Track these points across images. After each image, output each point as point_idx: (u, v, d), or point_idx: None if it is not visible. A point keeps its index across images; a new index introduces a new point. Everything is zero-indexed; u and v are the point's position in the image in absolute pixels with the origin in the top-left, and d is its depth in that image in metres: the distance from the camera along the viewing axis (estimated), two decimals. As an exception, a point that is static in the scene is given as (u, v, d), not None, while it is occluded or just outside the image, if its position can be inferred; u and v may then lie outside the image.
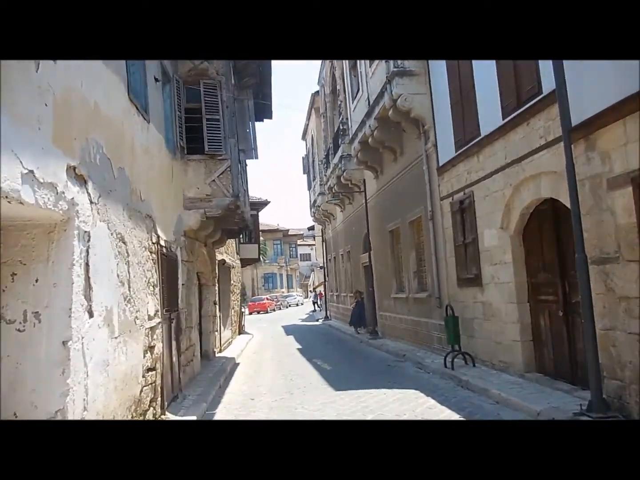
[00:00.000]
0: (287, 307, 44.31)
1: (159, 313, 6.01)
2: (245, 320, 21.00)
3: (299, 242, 61.95)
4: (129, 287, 4.94)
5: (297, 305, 47.64)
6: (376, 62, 11.57)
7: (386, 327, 14.07)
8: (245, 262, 20.90)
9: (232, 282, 15.84)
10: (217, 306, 12.40)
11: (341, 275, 21.74)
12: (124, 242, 4.94)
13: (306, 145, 27.94)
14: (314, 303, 34.37)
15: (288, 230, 59.07)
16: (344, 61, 16.12)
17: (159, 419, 5.46)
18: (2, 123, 2.86)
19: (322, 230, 26.92)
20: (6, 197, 2.91)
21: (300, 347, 14.01)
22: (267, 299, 40.19)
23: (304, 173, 27.39)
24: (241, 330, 19.07)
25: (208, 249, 11.02)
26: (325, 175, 19.97)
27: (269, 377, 9.13)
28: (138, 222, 5.59)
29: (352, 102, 14.86)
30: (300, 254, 63.74)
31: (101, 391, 3.91)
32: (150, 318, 5.59)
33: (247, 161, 12.26)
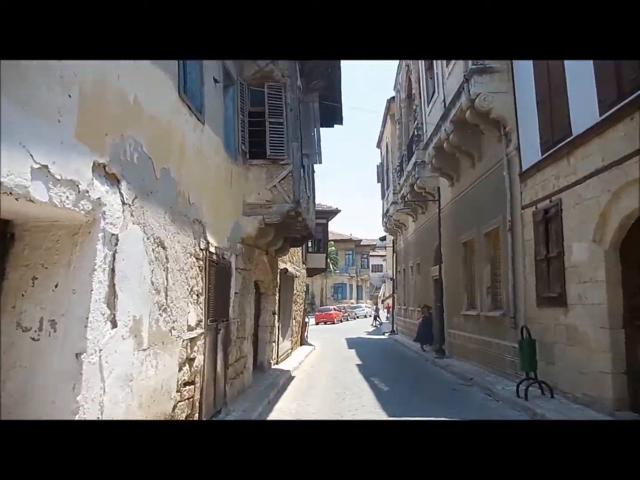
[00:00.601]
0: (354, 319, 43.65)
1: (203, 323, 5.70)
2: (308, 330, 20.67)
3: (371, 252, 61.18)
4: (166, 295, 4.63)
5: (365, 317, 46.83)
6: (453, 61, 10.83)
7: (454, 346, 13.09)
8: (312, 272, 20.61)
9: (295, 291, 15.54)
10: (277, 316, 12.09)
11: (410, 288, 20.84)
12: (163, 247, 4.66)
13: (381, 153, 27.37)
14: (374, 318, 33.24)
15: (360, 240, 58.52)
16: (419, 63, 15.44)
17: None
18: (8, 112, 2.61)
19: (393, 241, 26.12)
20: (10, 193, 2.64)
21: (360, 362, 13.36)
22: (335, 309, 39.76)
23: (378, 182, 26.79)
24: (303, 341, 18.73)
25: (269, 257, 10.75)
26: (399, 184, 19.29)
27: (321, 394, 8.60)
28: (184, 227, 5.32)
29: (428, 106, 14.16)
30: (372, 265, 62.81)
31: (121, 408, 3.58)
32: (190, 329, 5.27)
33: (316, 167, 11.92)
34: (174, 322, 4.77)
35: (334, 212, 20.66)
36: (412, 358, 14.35)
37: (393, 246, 25.98)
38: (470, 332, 11.71)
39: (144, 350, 4.05)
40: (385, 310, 33.46)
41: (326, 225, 20.55)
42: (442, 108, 11.73)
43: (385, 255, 50.60)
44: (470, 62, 9.37)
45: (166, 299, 4.62)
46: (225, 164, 7.27)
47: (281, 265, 12.53)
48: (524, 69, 8.49)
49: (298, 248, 16.18)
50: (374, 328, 31.30)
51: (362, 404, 7.65)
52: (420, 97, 15.58)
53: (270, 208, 8.10)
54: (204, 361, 5.66)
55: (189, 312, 5.25)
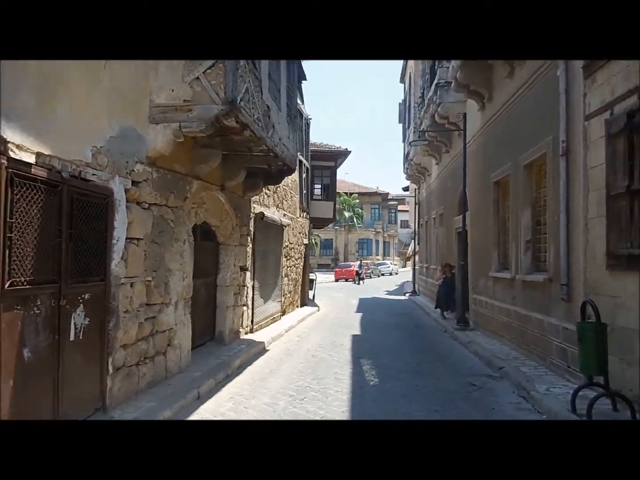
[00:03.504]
0: (378, 276, 40.98)
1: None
2: (315, 288, 18.13)
3: (400, 207, 57.68)
4: None
5: (391, 274, 44.08)
6: None
7: (480, 316, 10.24)
8: (317, 222, 17.86)
9: (287, 243, 12.85)
10: (250, 273, 9.47)
11: (432, 243, 17.85)
12: None
13: (404, 89, 23.70)
14: (357, 276, 30.13)
15: (387, 194, 55.00)
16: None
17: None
18: None
19: (415, 190, 22.91)
20: None
21: (358, 333, 10.68)
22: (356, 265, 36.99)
23: (399, 122, 23.37)
24: (305, 302, 16.21)
25: (229, 196, 8.02)
26: (419, 118, 15.96)
27: (276, 389, 5.98)
28: None
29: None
30: (401, 220, 59.47)
31: None
32: None
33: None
34: None
35: (343, 154, 17.62)
36: (427, 328, 11.58)
37: (415, 196, 22.80)
38: (502, 301, 8.81)
39: None
40: (363, 269, 30.77)
41: (334, 168, 17.60)
42: None
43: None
44: None
45: None
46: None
47: (256, 209, 9.79)
48: None
49: (294, 192, 13.39)
50: (396, 287, 28.55)
51: (320, 414, 4.98)
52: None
53: (190, 112, 5.26)
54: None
55: None
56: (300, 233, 14.72)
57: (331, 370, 6.87)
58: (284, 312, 12.65)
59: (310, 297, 18.14)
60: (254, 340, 8.86)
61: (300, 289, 15.15)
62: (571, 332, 5.92)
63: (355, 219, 48.78)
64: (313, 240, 46.28)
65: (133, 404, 4.92)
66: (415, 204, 22.84)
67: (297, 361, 7.58)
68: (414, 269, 23.33)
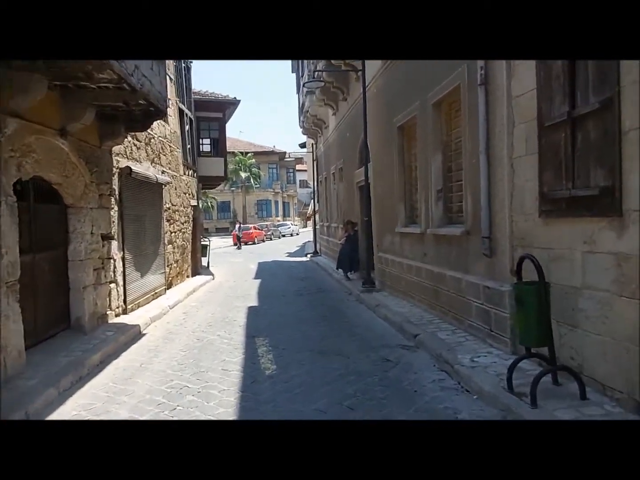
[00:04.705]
0: (279, 238, 39.90)
1: None
2: (209, 255, 16.51)
3: (297, 167, 56.48)
4: None
5: (292, 235, 43.19)
6: None
7: (386, 276, 9.46)
8: (207, 181, 16.08)
9: (170, 205, 11.07)
10: (118, 243, 7.74)
11: (332, 200, 16.92)
12: None
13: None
14: (237, 238, 28.96)
15: (285, 152, 53.33)
16: None
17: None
18: None
19: (313, 146, 21.73)
20: None
21: (256, 304, 9.44)
22: (255, 228, 35.59)
23: (292, 72, 21.78)
24: (198, 270, 14.60)
25: (75, 144, 6.19)
26: (312, 63, 14.57)
27: (145, 392, 4.55)
28: None
29: None
30: (300, 180, 58.39)
31: None
32: None
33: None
34: None
35: (231, 103, 15.80)
36: (331, 292, 10.65)
37: (313, 152, 21.66)
38: (411, 259, 8.01)
39: None
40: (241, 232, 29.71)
41: (223, 120, 15.77)
42: None
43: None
44: None
45: None
46: None
47: (121, 163, 7.95)
48: None
49: (174, 146, 11.55)
50: (297, 248, 27.63)
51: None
52: None
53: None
54: None
55: None
56: (186, 193, 12.93)
57: (218, 359, 5.56)
58: (170, 285, 11.02)
59: (205, 264, 16.53)
60: (126, 324, 7.25)
61: (190, 256, 13.49)
62: (494, 291, 5.15)
63: (252, 180, 46.89)
64: (209, 203, 43.94)
65: None
66: (313, 160, 21.72)
67: (178, 348, 6.16)
68: (314, 229, 22.43)
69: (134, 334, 6.97)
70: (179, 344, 6.37)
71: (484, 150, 5.29)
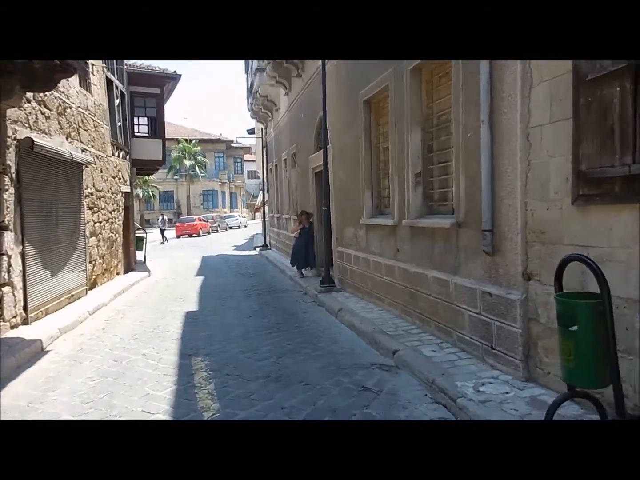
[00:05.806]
0: (225, 230, 38.10)
1: None
2: (146, 249, 14.75)
3: (245, 156, 54.40)
4: None
5: (240, 227, 41.39)
6: None
7: (349, 274, 8.27)
8: (142, 165, 14.29)
9: (90, 189, 9.34)
10: (15, 234, 6.09)
11: (283, 189, 15.57)
12: None
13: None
14: (161, 231, 27.21)
15: (232, 141, 51.15)
16: None
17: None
18: None
19: (262, 131, 20.23)
20: None
21: (195, 309, 7.97)
22: (200, 219, 33.64)
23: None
24: (132, 266, 12.89)
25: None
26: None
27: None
28: None
29: None
30: (248, 171, 56.39)
31: None
32: None
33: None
34: None
35: (171, 78, 14.05)
36: (285, 292, 9.34)
37: (262, 138, 20.17)
38: (379, 255, 6.84)
39: None
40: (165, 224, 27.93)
41: (161, 97, 14.02)
42: None
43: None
44: None
45: None
46: None
47: (20, 132, 6.28)
48: None
49: (99, 120, 9.83)
50: (245, 241, 26.08)
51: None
52: None
53: None
54: None
55: None
56: (115, 177, 11.19)
57: (139, 392, 4.14)
58: (94, 285, 9.35)
59: (142, 259, 14.79)
60: (24, 340, 5.66)
61: (122, 250, 11.78)
62: (498, 299, 4.04)
63: (197, 168, 44.65)
64: (151, 193, 41.29)
65: None
66: (263, 147, 20.24)
67: (86, 375, 4.67)
68: (264, 221, 21.02)
69: (32, 353, 5.41)
70: (89, 369, 4.88)
71: (487, 119, 4.15)
